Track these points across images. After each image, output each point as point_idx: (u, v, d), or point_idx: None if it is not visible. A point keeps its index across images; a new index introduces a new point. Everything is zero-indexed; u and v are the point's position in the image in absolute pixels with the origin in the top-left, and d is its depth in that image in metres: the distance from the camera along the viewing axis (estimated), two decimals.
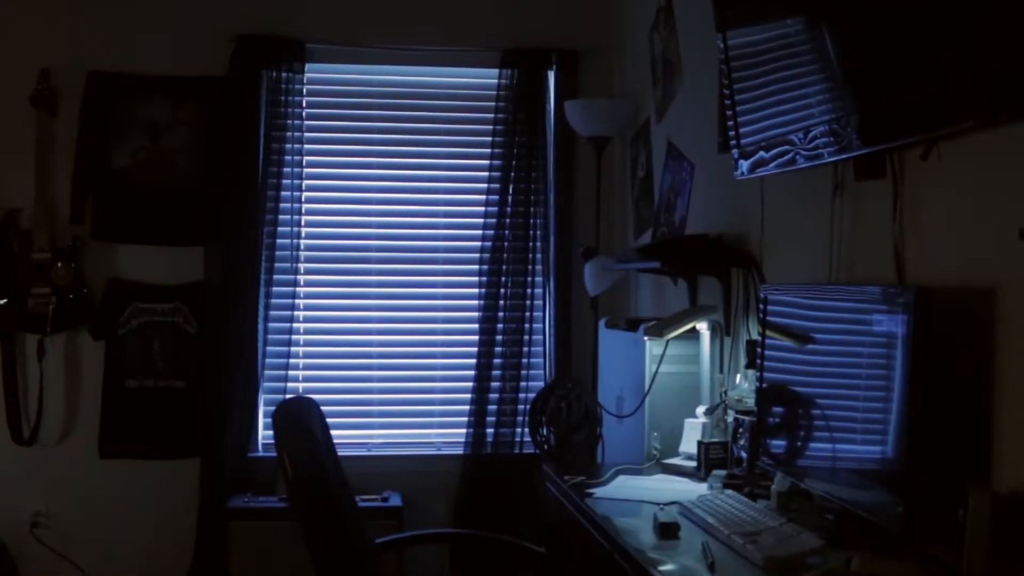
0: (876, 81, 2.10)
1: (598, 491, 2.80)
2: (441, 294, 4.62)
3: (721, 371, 3.17)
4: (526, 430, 4.23)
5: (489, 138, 4.51)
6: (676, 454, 3.10)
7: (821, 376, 2.39)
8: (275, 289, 4.40)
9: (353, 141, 4.56)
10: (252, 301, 4.33)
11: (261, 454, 4.40)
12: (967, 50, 1.80)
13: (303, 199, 4.46)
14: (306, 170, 4.46)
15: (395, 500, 4.24)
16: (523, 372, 4.50)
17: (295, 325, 4.46)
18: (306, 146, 4.46)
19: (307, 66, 4.42)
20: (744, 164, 2.73)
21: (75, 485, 4.33)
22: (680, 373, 3.24)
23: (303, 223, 4.46)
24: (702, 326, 3.22)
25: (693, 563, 2.12)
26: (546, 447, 3.40)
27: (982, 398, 1.97)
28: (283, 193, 4.39)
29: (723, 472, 2.80)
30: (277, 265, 4.39)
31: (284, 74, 4.36)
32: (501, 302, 4.49)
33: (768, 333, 2.62)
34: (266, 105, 4.36)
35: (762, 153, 2.63)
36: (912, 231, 2.26)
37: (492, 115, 4.51)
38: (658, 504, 2.54)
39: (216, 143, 4.37)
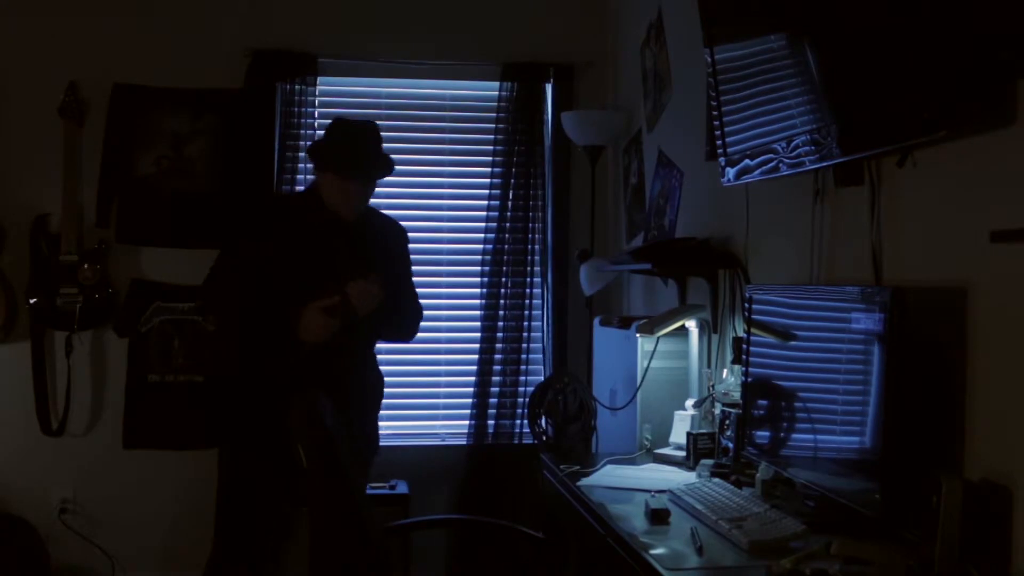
0: (854, 93, 2.10)
1: (592, 479, 2.80)
2: (445, 294, 4.61)
3: (709, 366, 3.17)
4: (525, 422, 4.23)
5: (490, 147, 4.51)
6: (666, 444, 3.10)
7: (803, 371, 2.39)
8: None
9: None
10: None
11: None
12: (941, 64, 1.80)
13: None
14: None
15: (401, 488, 4.23)
16: (522, 367, 4.50)
17: None
18: None
19: (319, 79, 4.41)
20: (730, 171, 2.73)
21: (100, 474, 4.33)
22: (670, 368, 3.23)
23: None
24: (691, 324, 3.22)
25: (682, 547, 2.12)
26: (544, 438, 3.40)
27: (955, 391, 1.97)
28: None
29: (711, 461, 2.80)
30: None
31: (297, 87, 4.36)
32: (501, 301, 4.49)
33: (753, 330, 2.62)
34: (280, 116, 4.36)
35: (747, 161, 2.62)
36: (889, 234, 2.26)
37: (493, 125, 4.51)
38: (649, 491, 2.54)
39: (234, 152, 4.36)
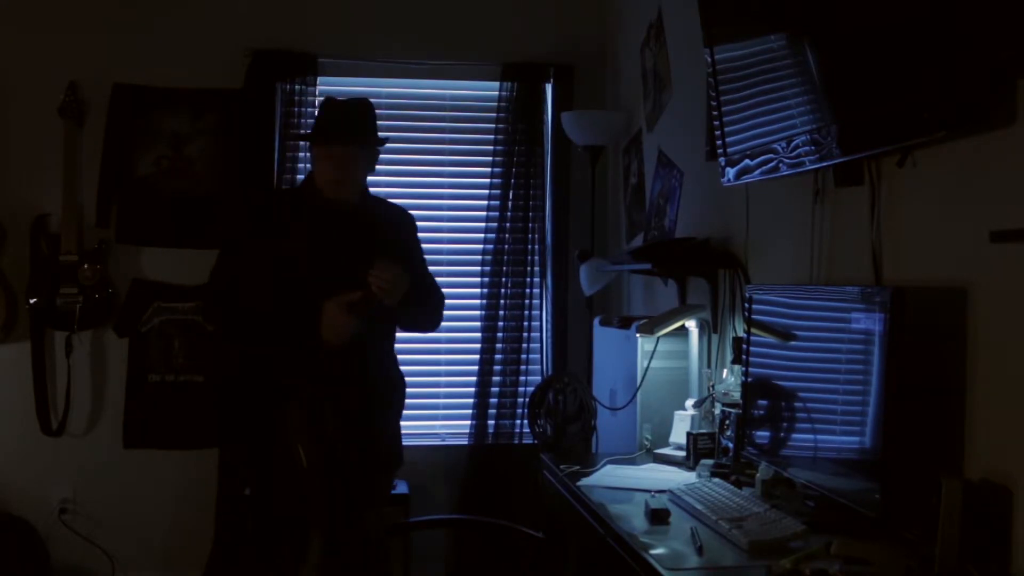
0: (854, 93, 2.10)
1: (592, 479, 2.80)
2: (445, 294, 4.60)
3: (709, 366, 3.16)
4: (525, 422, 4.23)
5: (490, 147, 4.51)
6: (666, 444, 3.10)
7: (803, 371, 2.39)
8: None
9: None
10: None
11: None
12: (940, 64, 1.80)
13: None
14: None
15: (402, 488, 4.23)
16: (522, 367, 4.50)
17: None
18: None
19: (319, 79, 4.42)
20: (730, 171, 2.73)
21: (100, 474, 4.33)
22: (670, 368, 3.23)
23: None
24: (691, 324, 3.21)
25: (682, 547, 2.12)
26: (544, 438, 3.40)
27: (955, 391, 1.97)
28: None
29: (711, 461, 2.80)
30: None
31: (297, 87, 4.36)
32: (501, 301, 4.49)
33: (753, 330, 2.62)
34: (280, 116, 4.35)
35: (747, 161, 2.62)
36: (889, 234, 2.26)
37: (493, 125, 4.51)
38: (649, 491, 2.54)
39: (234, 152, 4.36)
